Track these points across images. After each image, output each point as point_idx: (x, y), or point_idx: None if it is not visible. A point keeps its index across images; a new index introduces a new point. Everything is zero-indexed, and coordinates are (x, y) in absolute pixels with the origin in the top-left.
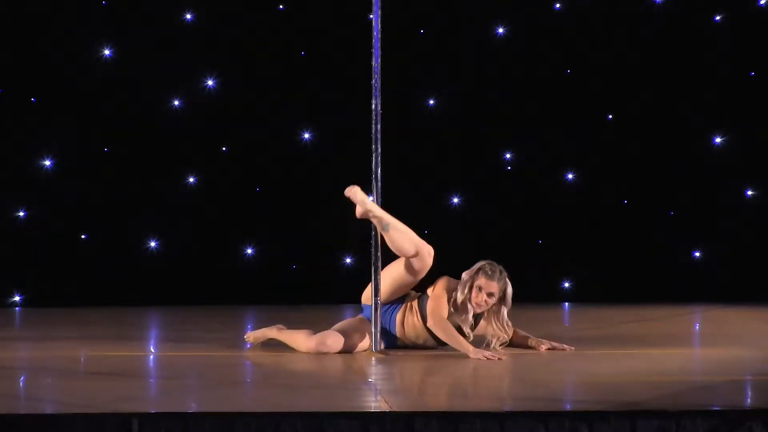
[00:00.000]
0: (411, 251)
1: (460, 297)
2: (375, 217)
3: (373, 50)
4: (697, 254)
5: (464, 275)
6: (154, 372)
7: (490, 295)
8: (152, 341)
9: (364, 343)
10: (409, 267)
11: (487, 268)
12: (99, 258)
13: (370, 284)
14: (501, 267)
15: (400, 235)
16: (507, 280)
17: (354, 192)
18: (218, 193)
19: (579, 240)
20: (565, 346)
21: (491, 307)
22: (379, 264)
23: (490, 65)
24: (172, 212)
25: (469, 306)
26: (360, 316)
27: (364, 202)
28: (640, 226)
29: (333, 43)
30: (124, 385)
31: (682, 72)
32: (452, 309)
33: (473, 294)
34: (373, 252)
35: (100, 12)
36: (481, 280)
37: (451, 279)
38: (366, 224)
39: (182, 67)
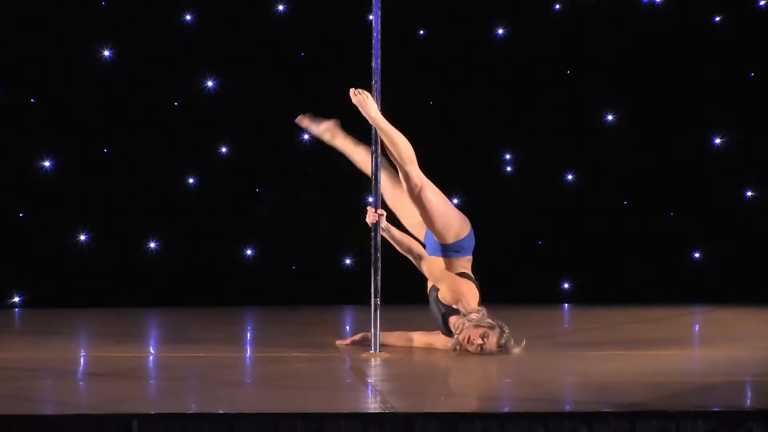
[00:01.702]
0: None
1: (465, 320)
2: (380, 129)
3: (373, 51)
4: (697, 255)
5: (488, 319)
6: (154, 373)
7: (481, 347)
8: (152, 342)
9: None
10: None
11: (506, 334)
12: (98, 259)
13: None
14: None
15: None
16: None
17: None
18: (218, 194)
19: (579, 240)
20: None
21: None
22: (379, 264)
23: (490, 66)
24: (172, 213)
25: (458, 327)
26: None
27: (369, 109)
28: (639, 226)
29: (333, 44)
30: (123, 385)
31: (681, 72)
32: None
33: (475, 330)
34: (373, 252)
35: (99, 12)
36: (492, 336)
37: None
38: (366, 225)
39: (182, 68)
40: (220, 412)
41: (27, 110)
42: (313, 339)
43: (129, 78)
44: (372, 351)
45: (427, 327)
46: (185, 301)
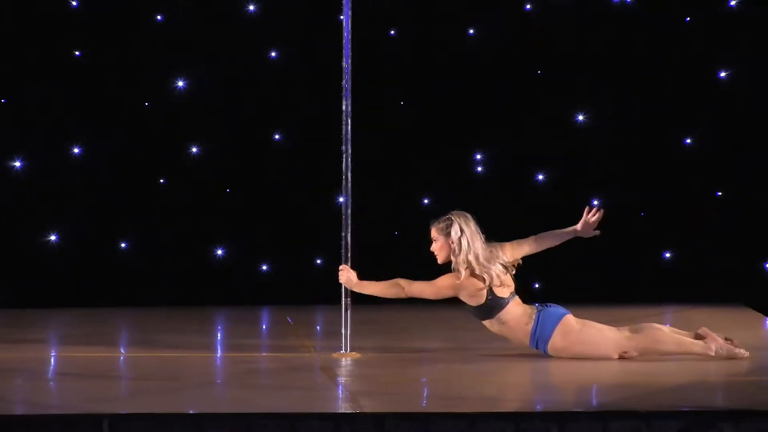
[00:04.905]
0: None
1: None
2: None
3: (343, 51)
4: (668, 255)
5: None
6: (125, 373)
7: (434, 241)
8: (123, 342)
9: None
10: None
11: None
12: (69, 259)
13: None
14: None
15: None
16: (451, 221)
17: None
18: (188, 194)
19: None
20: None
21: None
22: (350, 264)
23: (462, 66)
24: (144, 213)
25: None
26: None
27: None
28: (610, 226)
29: (303, 44)
30: (95, 385)
31: (652, 72)
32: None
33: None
34: (344, 252)
35: (70, 12)
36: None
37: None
38: (336, 224)
39: (153, 68)
40: (191, 412)
41: None
42: (285, 339)
43: (100, 78)
44: (343, 351)
45: (400, 326)
46: (156, 301)
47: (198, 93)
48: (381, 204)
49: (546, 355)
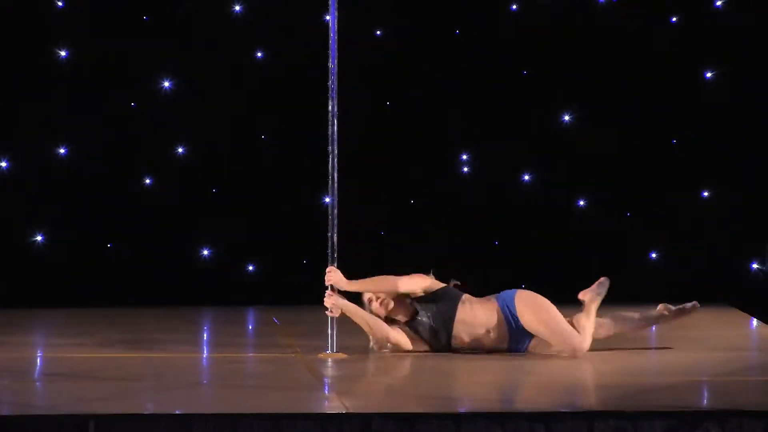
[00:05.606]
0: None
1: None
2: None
3: (329, 51)
4: (654, 255)
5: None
6: (111, 373)
7: (374, 300)
8: (109, 342)
9: None
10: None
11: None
12: (55, 259)
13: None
14: None
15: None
16: None
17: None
18: (175, 194)
19: (535, 241)
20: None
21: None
22: (335, 264)
23: (447, 66)
24: (130, 213)
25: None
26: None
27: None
28: (595, 226)
29: (290, 44)
30: (80, 386)
31: (638, 73)
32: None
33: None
34: (330, 253)
35: (55, 11)
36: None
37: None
38: (323, 225)
39: (138, 68)
40: (177, 412)
41: None
42: (271, 339)
43: (85, 77)
44: (329, 351)
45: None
46: (142, 302)
47: (184, 93)
48: (367, 205)
49: (519, 325)
